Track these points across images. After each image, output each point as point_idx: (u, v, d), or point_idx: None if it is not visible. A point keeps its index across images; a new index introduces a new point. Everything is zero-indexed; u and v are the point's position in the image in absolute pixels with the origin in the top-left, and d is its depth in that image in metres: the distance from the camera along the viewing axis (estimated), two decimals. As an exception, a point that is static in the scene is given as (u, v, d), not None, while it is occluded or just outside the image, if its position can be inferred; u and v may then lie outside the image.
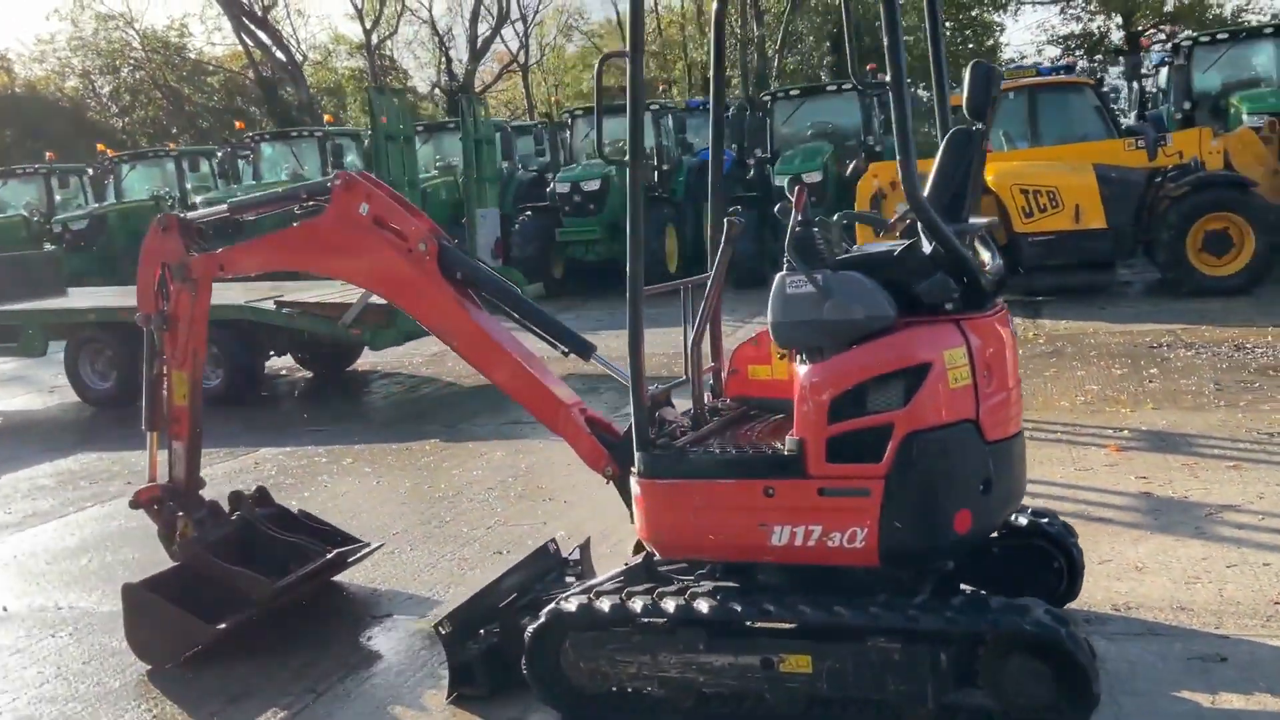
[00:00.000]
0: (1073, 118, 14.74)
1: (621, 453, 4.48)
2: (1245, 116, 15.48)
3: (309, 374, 13.20)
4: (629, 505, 4.54)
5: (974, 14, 40.99)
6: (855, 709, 3.72)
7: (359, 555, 5.55)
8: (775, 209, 4.52)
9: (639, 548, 4.82)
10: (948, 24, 40.80)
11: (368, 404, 11.58)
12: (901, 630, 3.57)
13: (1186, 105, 17.44)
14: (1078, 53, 36.21)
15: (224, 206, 5.12)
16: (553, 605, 4.00)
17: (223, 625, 4.77)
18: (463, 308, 4.67)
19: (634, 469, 4.00)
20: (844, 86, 18.99)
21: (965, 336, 3.64)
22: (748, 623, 3.76)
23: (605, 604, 3.89)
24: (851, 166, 16.30)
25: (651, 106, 19.70)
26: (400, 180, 10.19)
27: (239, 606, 4.91)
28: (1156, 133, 13.58)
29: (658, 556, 4.29)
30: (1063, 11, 39.56)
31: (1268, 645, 4.22)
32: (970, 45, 41.01)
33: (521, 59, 45.86)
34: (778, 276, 3.78)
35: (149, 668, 4.86)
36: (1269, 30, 17.81)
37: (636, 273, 3.89)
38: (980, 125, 3.79)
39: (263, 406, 11.57)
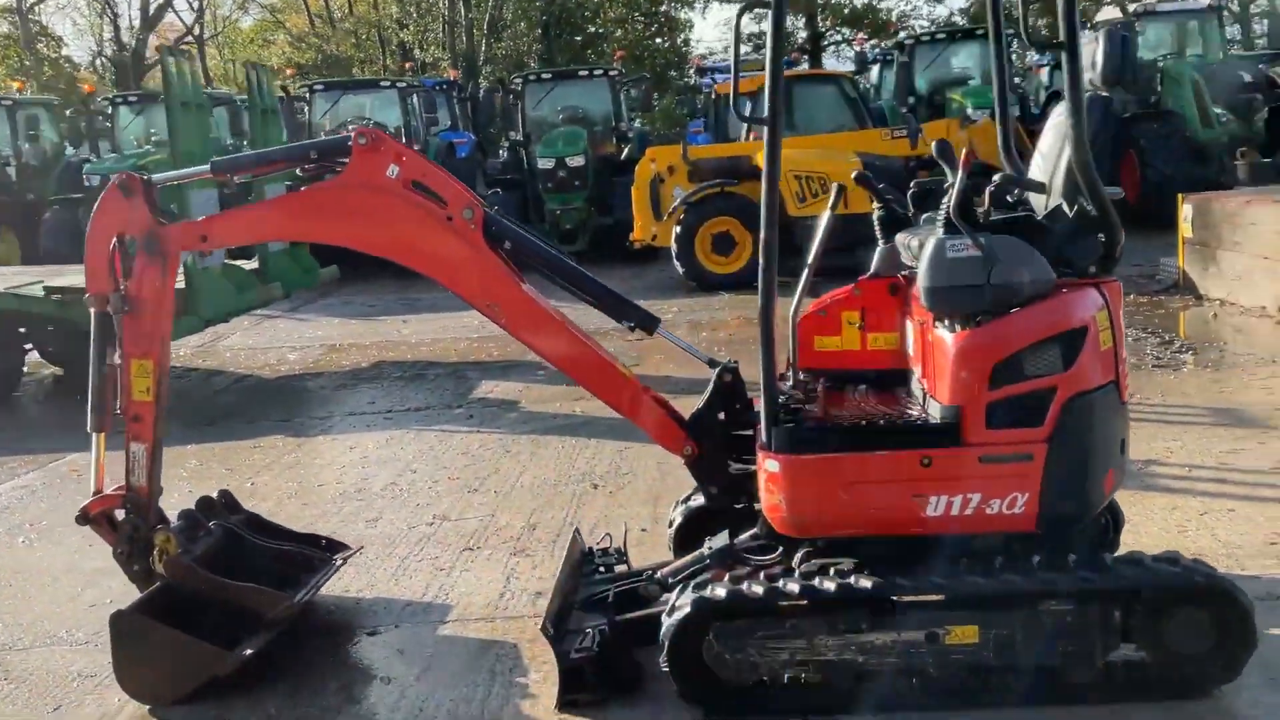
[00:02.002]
0: (830, 109, 15.59)
1: (698, 431, 4.26)
2: (970, 111, 16.85)
3: (58, 370, 11.69)
4: (703, 484, 4.33)
5: (663, 9, 42.13)
6: (1015, 675, 3.71)
7: (345, 560, 4.95)
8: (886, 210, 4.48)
9: (686, 532, 4.60)
10: (639, 18, 41.83)
11: (155, 401, 10.37)
12: (1075, 592, 3.60)
13: (911, 100, 18.82)
14: (764, 51, 37.94)
15: (205, 167, 4.38)
16: (694, 594, 3.72)
17: (248, 650, 4.08)
18: (514, 280, 4.28)
19: (763, 445, 3.79)
20: (595, 72, 19.06)
21: (1105, 299, 3.72)
22: (926, 597, 3.66)
23: (758, 588, 3.66)
24: (627, 151, 16.36)
25: (398, 85, 18.94)
26: (195, 152, 9.16)
27: (246, 628, 4.22)
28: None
29: (741, 537, 4.12)
30: (750, 10, 41.45)
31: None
32: (661, 40, 42.23)
33: (197, 31, 42.80)
34: (934, 240, 3.70)
35: (146, 708, 4.10)
36: (980, 32, 19.51)
37: (771, 241, 3.72)
38: (1108, 93, 3.88)
39: (24, 408, 10.26)
